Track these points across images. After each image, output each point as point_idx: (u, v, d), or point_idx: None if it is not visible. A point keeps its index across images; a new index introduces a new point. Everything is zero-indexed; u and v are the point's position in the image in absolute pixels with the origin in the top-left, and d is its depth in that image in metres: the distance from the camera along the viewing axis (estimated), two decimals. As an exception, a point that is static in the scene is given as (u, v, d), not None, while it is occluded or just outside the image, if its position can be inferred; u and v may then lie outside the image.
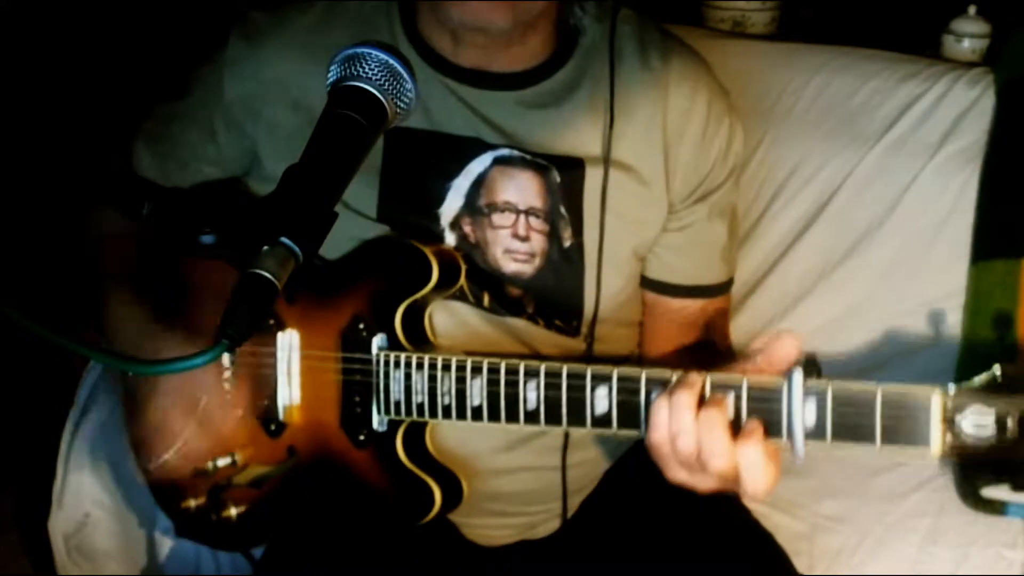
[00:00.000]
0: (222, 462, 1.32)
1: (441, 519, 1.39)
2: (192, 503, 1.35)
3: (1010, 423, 0.94)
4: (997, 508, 1.58)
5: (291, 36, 1.35)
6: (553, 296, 1.35)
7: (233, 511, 1.32)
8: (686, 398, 1.05)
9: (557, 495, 1.41)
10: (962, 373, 1.66)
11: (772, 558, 1.36)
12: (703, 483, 1.09)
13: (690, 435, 1.05)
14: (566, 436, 1.36)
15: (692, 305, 1.42)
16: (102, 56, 2.24)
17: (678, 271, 1.41)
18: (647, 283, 1.42)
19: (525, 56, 1.33)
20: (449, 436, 1.32)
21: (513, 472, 1.36)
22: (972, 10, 1.94)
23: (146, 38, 2.26)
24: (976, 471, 1.59)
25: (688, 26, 1.97)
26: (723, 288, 1.45)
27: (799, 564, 1.38)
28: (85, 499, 1.72)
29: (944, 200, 1.77)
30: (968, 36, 1.94)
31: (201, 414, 1.35)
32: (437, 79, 1.31)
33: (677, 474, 1.10)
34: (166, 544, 1.70)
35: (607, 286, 1.35)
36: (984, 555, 1.58)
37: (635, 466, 1.37)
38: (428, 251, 1.26)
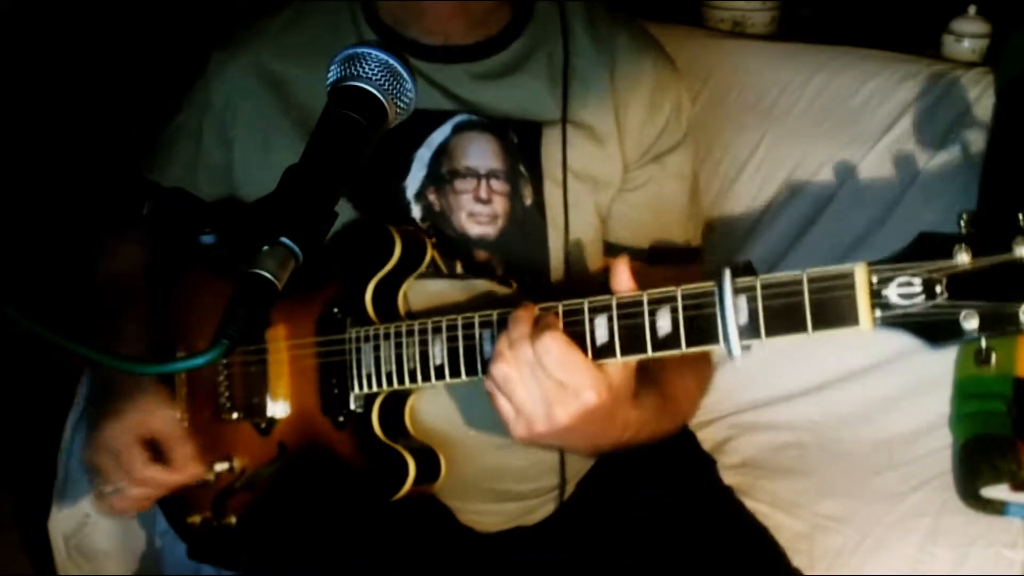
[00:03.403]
0: (220, 467, 1.34)
1: (436, 504, 1.40)
2: (197, 517, 1.37)
3: (939, 288, 0.94)
4: (997, 508, 1.58)
5: (264, 36, 1.42)
6: (519, 255, 1.38)
7: (233, 518, 1.34)
8: (519, 329, 1.08)
9: (554, 467, 1.41)
10: (963, 373, 1.66)
11: (767, 551, 1.37)
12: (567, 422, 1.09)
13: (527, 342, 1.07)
14: None
15: (655, 272, 1.41)
16: (102, 56, 2.25)
17: (637, 234, 1.43)
18: (609, 249, 1.44)
19: (480, 30, 1.39)
20: (439, 416, 1.33)
21: (506, 447, 1.36)
22: (972, 10, 1.94)
23: (146, 40, 2.26)
24: (975, 468, 1.59)
25: (688, 26, 1.98)
26: (685, 255, 1.46)
27: (799, 564, 1.38)
28: (85, 499, 1.72)
29: (944, 200, 1.77)
30: (968, 36, 1.94)
31: (195, 421, 1.37)
32: None
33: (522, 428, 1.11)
34: (166, 544, 1.70)
35: (573, 242, 1.38)
36: (984, 555, 1.58)
37: (631, 455, 1.37)
38: (391, 228, 1.30)
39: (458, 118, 1.37)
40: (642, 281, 1.40)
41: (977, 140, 1.77)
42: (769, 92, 1.90)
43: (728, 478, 1.55)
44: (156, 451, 1.34)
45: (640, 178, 1.41)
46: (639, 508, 1.38)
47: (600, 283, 1.43)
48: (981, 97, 1.79)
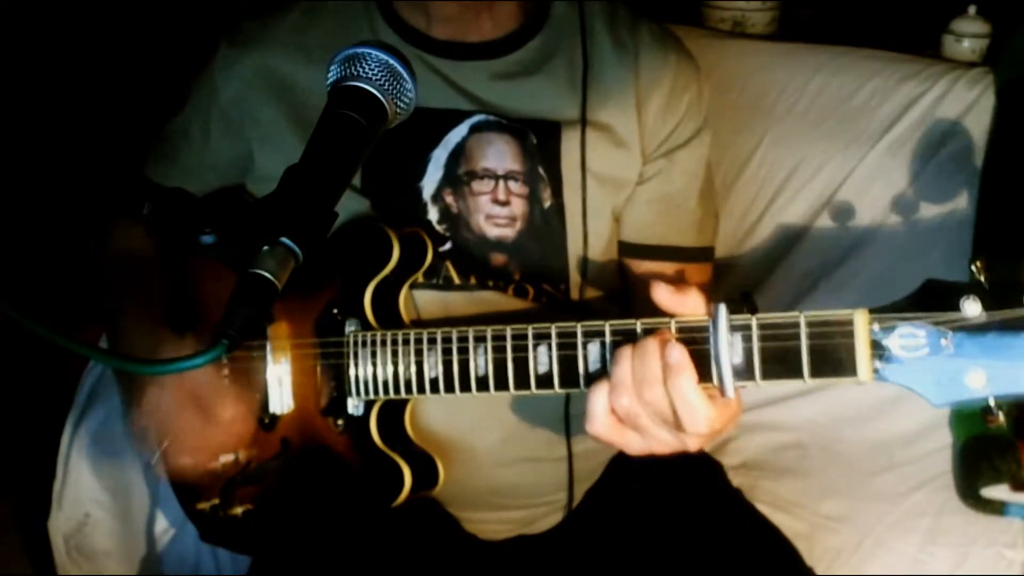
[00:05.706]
0: (225, 459, 1.34)
1: (440, 510, 1.39)
2: (206, 504, 1.37)
3: (944, 341, 0.88)
4: (997, 508, 1.58)
5: (276, 35, 1.40)
6: (537, 258, 1.37)
7: (239, 509, 1.34)
8: (651, 345, 1.02)
9: (562, 486, 1.41)
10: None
11: (781, 553, 1.35)
12: (665, 442, 1.06)
13: (658, 384, 1.01)
14: (567, 424, 1.36)
15: (664, 269, 1.42)
16: (102, 57, 2.25)
17: (645, 230, 1.41)
18: (621, 248, 1.43)
19: (496, 27, 1.38)
20: (444, 430, 1.33)
21: (512, 464, 1.36)
22: (972, 10, 1.94)
23: (146, 40, 2.26)
24: (975, 468, 1.59)
25: (688, 26, 1.98)
26: (696, 255, 1.44)
27: (799, 564, 1.38)
28: (85, 499, 1.72)
29: (944, 200, 1.77)
30: (968, 36, 1.94)
31: (201, 412, 1.35)
32: (413, 54, 1.35)
33: (631, 441, 1.08)
34: (166, 544, 1.70)
35: (592, 246, 1.37)
36: (984, 555, 1.58)
37: (639, 461, 1.37)
38: (389, 230, 1.28)
39: (475, 118, 1.36)
40: (645, 279, 1.41)
41: (977, 140, 1.78)
42: (769, 92, 1.90)
43: (729, 478, 1.55)
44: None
45: (648, 172, 1.40)
46: (648, 515, 1.37)
47: (617, 288, 1.44)
48: (981, 97, 1.79)
